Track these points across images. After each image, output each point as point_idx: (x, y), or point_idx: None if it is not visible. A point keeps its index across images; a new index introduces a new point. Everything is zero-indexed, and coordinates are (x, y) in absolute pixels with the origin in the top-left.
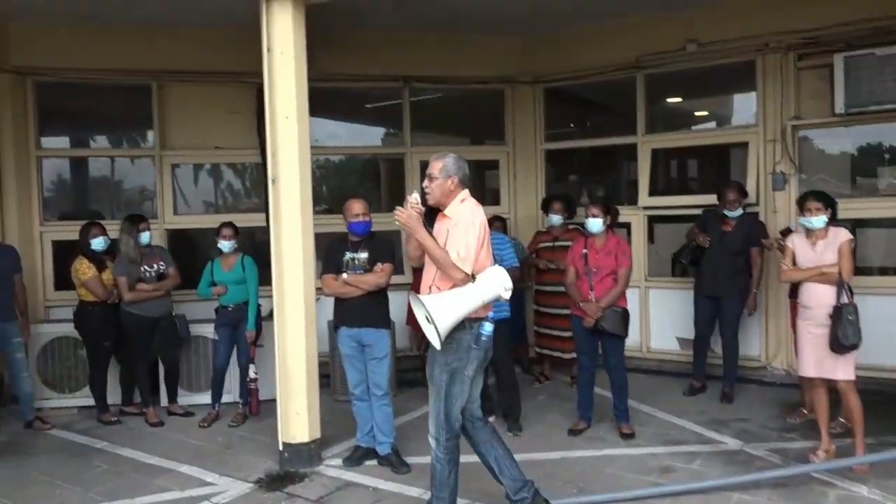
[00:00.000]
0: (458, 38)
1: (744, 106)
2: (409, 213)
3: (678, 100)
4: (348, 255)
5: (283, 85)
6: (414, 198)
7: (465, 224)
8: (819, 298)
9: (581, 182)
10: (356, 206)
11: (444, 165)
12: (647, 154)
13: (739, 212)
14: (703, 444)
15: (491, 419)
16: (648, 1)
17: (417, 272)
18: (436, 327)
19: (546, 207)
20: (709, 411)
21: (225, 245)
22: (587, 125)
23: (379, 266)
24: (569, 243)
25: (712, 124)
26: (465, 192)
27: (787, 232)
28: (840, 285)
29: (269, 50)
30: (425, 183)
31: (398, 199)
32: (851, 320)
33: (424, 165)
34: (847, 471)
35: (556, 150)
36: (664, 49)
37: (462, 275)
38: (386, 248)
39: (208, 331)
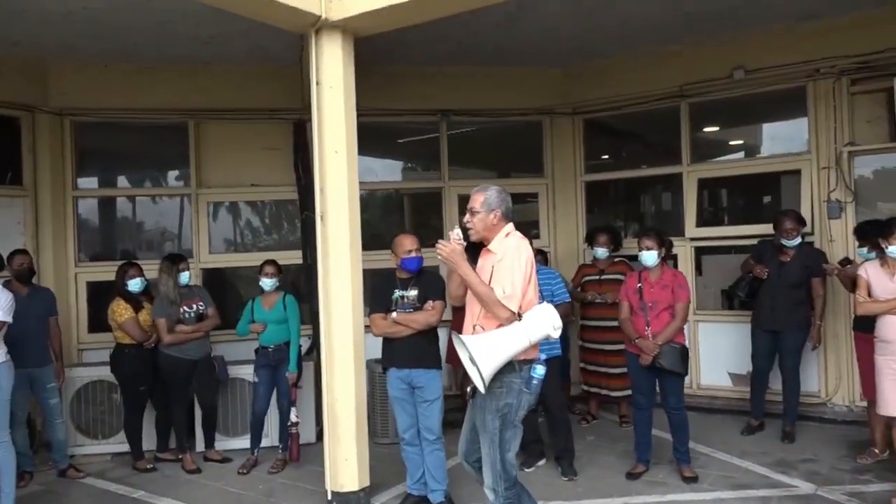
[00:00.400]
0: (496, 70)
1: (794, 133)
2: (452, 246)
3: (724, 127)
4: (398, 293)
5: (331, 119)
6: (456, 233)
7: (510, 259)
8: None
9: (623, 214)
10: (408, 242)
11: (486, 199)
12: (694, 184)
13: (798, 241)
14: (772, 487)
15: (541, 463)
16: (694, 29)
17: (459, 311)
18: (479, 370)
19: (591, 240)
20: (771, 451)
21: (267, 283)
22: (627, 155)
23: (430, 304)
24: (616, 276)
25: (761, 152)
26: (510, 226)
27: (845, 262)
28: None
29: (318, 83)
30: (466, 217)
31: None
32: None
33: (464, 199)
34: None
35: (597, 182)
36: (709, 77)
37: (508, 313)
38: (436, 284)
39: (246, 372)
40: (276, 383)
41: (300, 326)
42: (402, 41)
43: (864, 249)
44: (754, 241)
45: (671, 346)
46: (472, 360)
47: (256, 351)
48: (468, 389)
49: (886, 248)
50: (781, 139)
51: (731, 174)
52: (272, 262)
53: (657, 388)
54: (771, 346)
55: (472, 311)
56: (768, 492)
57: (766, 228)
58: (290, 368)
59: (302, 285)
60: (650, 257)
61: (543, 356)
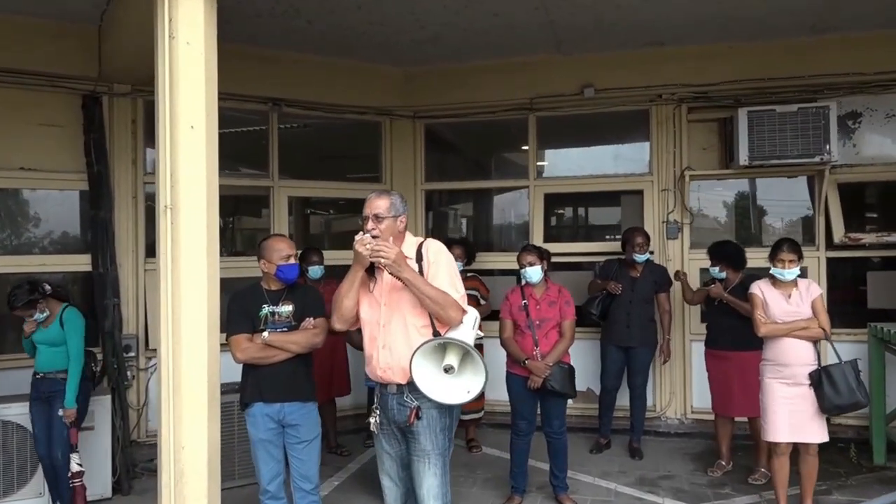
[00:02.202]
0: (337, 62)
1: (638, 154)
2: (395, 248)
3: (572, 144)
4: (267, 309)
5: (188, 84)
6: (367, 238)
7: (446, 261)
8: (799, 355)
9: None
10: (285, 245)
11: (391, 203)
12: (541, 199)
13: (647, 256)
14: None
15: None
16: (542, 42)
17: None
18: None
19: None
20: (628, 470)
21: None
22: (471, 166)
23: (310, 321)
24: (470, 292)
25: (606, 171)
26: (409, 234)
27: (680, 275)
28: (829, 341)
29: (171, 37)
30: (370, 225)
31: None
32: (853, 378)
33: (295, 201)
34: None
35: (439, 191)
36: (560, 92)
37: (461, 315)
38: (316, 299)
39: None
40: (50, 423)
41: (82, 349)
42: (242, 12)
43: (717, 269)
44: (600, 259)
45: (560, 367)
46: (448, 369)
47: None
48: (412, 412)
49: (771, 268)
50: (626, 160)
51: (576, 191)
52: None
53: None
54: (623, 363)
55: (394, 325)
56: None
57: (608, 246)
58: (67, 404)
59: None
60: (535, 273)
61: None
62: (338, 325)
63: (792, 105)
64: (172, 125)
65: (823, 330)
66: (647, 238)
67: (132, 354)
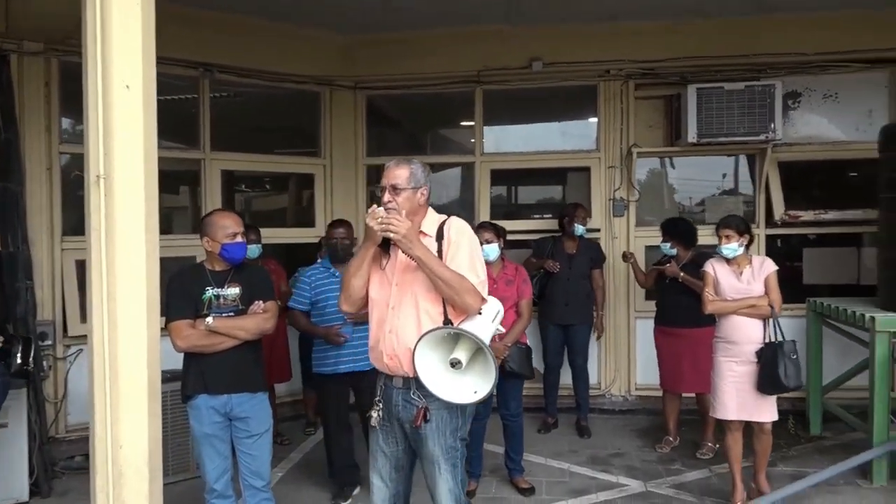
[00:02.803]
0: (273, 26)
1: (585, 131)
2: (406, 221)
3: (519, 119)
4: (211, 292)
5: (123, 39)
6: (380, 211)
7: (468, 242)
8: (748, 334)
9: None
10: (231, 222)
11: (411, 173)
12: (487, 175)
13: (584, 230)
14: (607, 489)
15: (356, 492)
16: (492, 12)
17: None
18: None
19: None
20: (579, 449)
21: None
22: (414, 141)
23: (259, 305)
24: None
25: (554, 147)
26: (431, 209)
27: (628, 256)
28: (774, 319)
29: None
30: (386, 197)
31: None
32: (795, 359)
33: (228, 175)
34: None
35: (380, 166)
36: (508, 65)
37: (480, 303)
38: (264, 280)
39: None
40: None
41: None
42: None
43: (668, 245)
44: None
45: (518, 348)
46: (454, 363)
47: None
48: (420, 413)
49: (718, 245)
50: (573, 136)
51: (522, 167)
52: None
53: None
54: (562, 341)
55: (404, 309)
56: (607, 495)
57: (552, 224)
58: None
59: None
60: (492, 251)
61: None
62: (345, 307)
63: (739, 83)
64: (105, 84)
65: (771, 307)
66: (586, 210)
67: (48, 342)
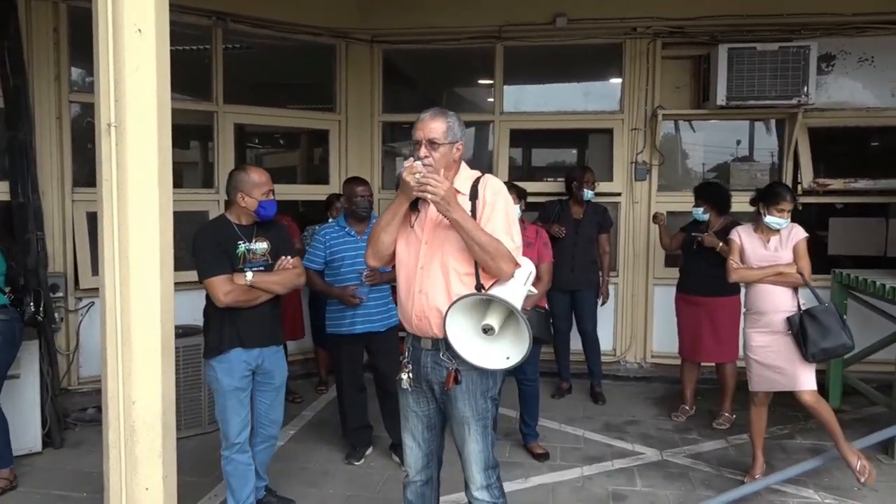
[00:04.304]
0: None
1: (608, 91)
2: (445, 181)
3: (540, 77)
4: (243, 247)
5: None
6: (418, 165)
7: (503, 203)
8: (776, 303)
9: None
10: (266, 178)
11: (448, 126)
12: (506, 135)
13: (593, 194)
14: (622, 457)
15: (369, 452)
16: None
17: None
18: (529, 333)
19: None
20: (593, 415)
21: None
22: (430, 98)
23: (287, 260)
24: None
25: (576, 107)
26: (464, 164)
27: (659, 218)
28: (809, 287)
29: None
30: (422, 152)
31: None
32: (826, 324)
33: (240, 129)
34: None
35: (395, 123)
36: (530, 21)
37: (514, 268)
38: (287, 236)
39: None
40: None
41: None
42: None
43: (701, 210)
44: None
45: (537, 312)
46: (487, 329)
47: None
48: (451, 375)
49: (765, 216)
50: (596, 96)
51: (543, 128)
52: None
53: None
54: (569, 306)
55: (432, 271)
56: (623, 462)
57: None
58: None
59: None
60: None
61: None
62: (372, 262)
63: (772, 44)
64: (115, 28)
65: (801, 275)
66: (594, 175)
67: (60, 294)
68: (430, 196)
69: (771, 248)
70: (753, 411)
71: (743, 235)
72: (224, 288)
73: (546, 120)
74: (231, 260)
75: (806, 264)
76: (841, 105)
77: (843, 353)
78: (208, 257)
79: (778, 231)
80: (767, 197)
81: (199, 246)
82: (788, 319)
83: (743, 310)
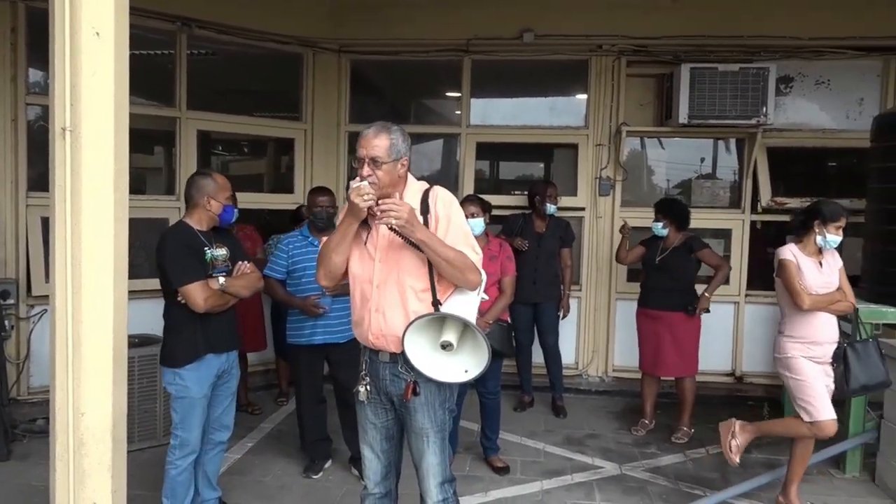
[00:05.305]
0: None
1: (574, 107)
2: (407, 204)
3: (506, 92)
4: (210, 253)
5: None
6: (365, 187)
7: (459, 215)
8: (831, 333)
9: None
10: (227, 183)
11: (392, 143)
12: (472, 148)
13: (556, 209)
14: (582, 470)
15: (328, 465)
16: None
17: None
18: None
19: None
20: (554, 429)
21: None
22: (397, 109)
23: (245, 265)
24: None
25: (542, 122)
26: (410, 177)
27: (626, 229)
28: (855, 317)
29: None
30: (365, 171)
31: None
32: (884, 356)
33: (205, 136)
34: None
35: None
36: (498, 35)
37: (479, 279)
38: (237, 242)
39: None
40: None
41: None
42: None
43: (661, 225)
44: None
45: (499, 325)
46: (445, 345)
47: None
48: (409, 387)
49: (823, 235)
50: (561, 112)
51: (509, 141)
52: None
53: None
54: (532, 319)
55: (406, 286)
56: (582, 476)
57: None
58: None
59: None
60: (477, 225)
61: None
62: (323, 282)
63: (733, 65)
64: (73, 30)
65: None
66: (556, 189)
67: (10, 302)
68: (394, 223)
69: (825, 272)
70: (808, 444)
71: (801, 259)
72: (203, 294)
73: (512, 134)
74: (203, 266)
75: (850, 290)
76: (798, 126)
77: (883, 389)
78: (182, 263)
79: (821, 253)
80: (824, 214)
81: (171, 252)
82: (835, 352)
83: (789, 337)
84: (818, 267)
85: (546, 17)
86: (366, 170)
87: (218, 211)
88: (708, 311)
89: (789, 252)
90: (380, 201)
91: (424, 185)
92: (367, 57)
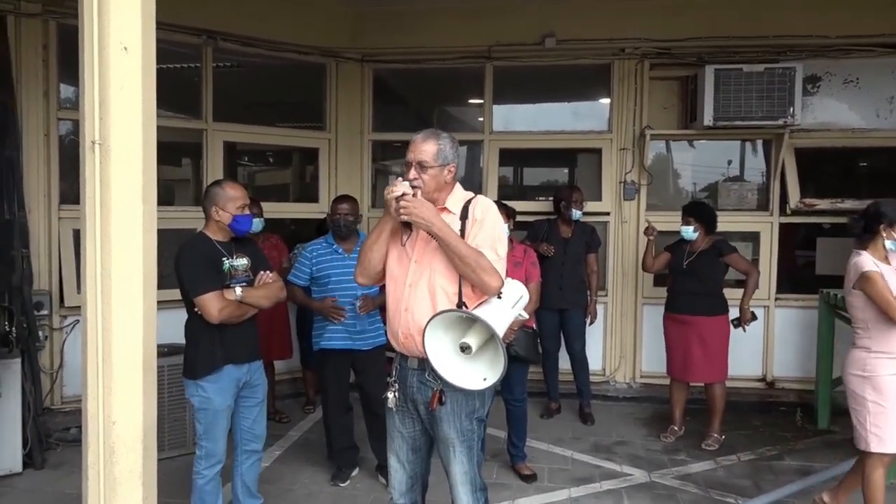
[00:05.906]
0: None
1: (597, 111)
2: (420, 199)
3: (529, 97)
4: (228, 263)
5: None
6: (400, 185)
7: (492, 220)
8: None
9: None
10: (241, 192)
11: (439, 149)
12: (496, 154)
13: (581, 214)
14: (610, 478)
15: (355, 473)
16: None
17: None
18: (505, 354)
19: None
20: (582, 436)
21: None
22: (420, 117)
23: (267, 275)
24: None
25: (565, 127)
26: (458, 186)
27: (651, 231)
28: None
29: None
30: (411, 174)
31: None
32: None
33: (229, 147)
34: None
35: (386, 143)
36: (520, 41)
37: (499, 283)
38: (260, 252)
39: None
40: None
41: None
42: None
43: (691, 228)
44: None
45: (524, 332)
46: (464, 347)
47: None
48: (435, 395)
49: (894, 239)
50: (585, 116)
51: (532, 147)
52: None
53: None
54: (558, 326)
55: (437, 286)
56: (611, 484)
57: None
58: None
59: None
60: None
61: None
62: (361, 280)
63: (758, 65)
64: (101, 46)
65: None
66: (582, 194)
67: (44, 312)
68: (408, 217)
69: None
70: (881, 474)
71: (883, 267)
72: (218, 304)
73: (535, 139)
74: (220, 276)
75: None
76: (827, 126)
77: None
78: (198, 274)
79: (886, 258)
80: (891, 216)
81: (188, 263)
82: None
83: (877, 354)
84: (894, 273)
85: (568, 21)
86: (412, 173)
87: (227, 221)
88: (755, 317)
89: (870, 262)
90: (410, 192)
91: (471, 194)
92: (390, 65)
